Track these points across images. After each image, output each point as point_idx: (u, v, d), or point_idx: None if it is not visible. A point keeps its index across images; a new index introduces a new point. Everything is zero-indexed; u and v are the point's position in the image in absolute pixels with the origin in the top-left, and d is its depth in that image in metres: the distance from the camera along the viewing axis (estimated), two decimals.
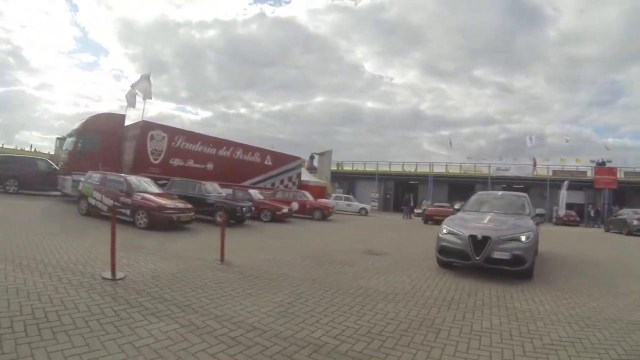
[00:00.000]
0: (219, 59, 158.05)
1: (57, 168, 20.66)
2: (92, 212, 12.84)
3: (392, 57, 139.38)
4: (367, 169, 52.57)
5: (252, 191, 20.49)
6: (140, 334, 3.68)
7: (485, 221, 8.60)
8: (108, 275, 5.56)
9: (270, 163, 26.57)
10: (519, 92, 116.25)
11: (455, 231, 8.26)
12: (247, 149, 24.93)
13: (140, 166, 18.11)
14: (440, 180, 45.41)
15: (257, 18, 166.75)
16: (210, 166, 21.85)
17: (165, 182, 16.56)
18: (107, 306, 4.35)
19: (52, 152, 66.04)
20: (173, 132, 20.28)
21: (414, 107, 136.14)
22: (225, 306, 4.82)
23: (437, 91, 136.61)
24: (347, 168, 54.92)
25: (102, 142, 18.60)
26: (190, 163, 20.85)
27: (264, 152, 26.65)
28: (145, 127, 19.20)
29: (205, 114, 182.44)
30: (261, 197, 20.16)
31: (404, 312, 5.12)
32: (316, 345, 3.83)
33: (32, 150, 63.04)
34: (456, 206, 11.86)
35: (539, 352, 3.93)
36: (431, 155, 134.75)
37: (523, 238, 7.77)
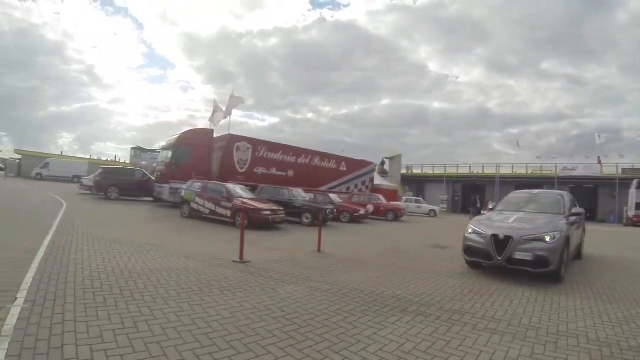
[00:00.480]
0: (282, 65, 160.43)
1: (151, 177, 23.66)
2: (194, 215, 15.31)
3: (456, 54, 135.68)
4: (435, 171, 53.20)
5: (332, 195, 22.46)
6: (280, 291, 5.67)
7: (511, 220, 8.49)
8: (237, 259, 7.55)
9: (345, 169, 28.33)
10: (591, 84, 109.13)
11: (480, 231, 8.23)
12: (323, 156, 26.93)
13: (228, 175, 20.55)
14: (507, 181, 44.76)
15: (317, 23, 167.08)
16: (290, 173, 24.00)
17: (249, 188, 18.67)
18: (248, 277, 6.40)
19: (128, 161, 71.70)
20: (256, 143, 22.67)
21: (480, 105, 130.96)
22: (331, 278, 6.79)
23: (504, 88, 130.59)
24: (417, 171, 55.86)
25: (194, 154, 20.78)
26: (273, 171, 23.14)
27: (339, 159, 28.51)
28: (232, 139, 21.80)
29: (272, 120, 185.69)
30: (340, 201, 22.04)
31: (459, 284, 6.94)
32: (398, 298, 5.72)
33: (116, 160, 69.49)
34: (490, 206, 11.66)
35: (554, 311, 5.44)
36: (500, 155, 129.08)
37: (548, 238, 7.51)
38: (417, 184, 53.20)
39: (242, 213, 9.25)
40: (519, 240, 7.47)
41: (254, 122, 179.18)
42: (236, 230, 12.54)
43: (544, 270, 7.29)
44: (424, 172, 55.38)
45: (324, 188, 25.77)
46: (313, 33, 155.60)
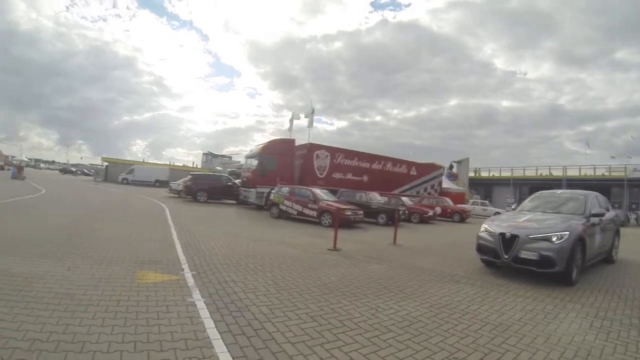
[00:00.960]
0: (348, 69, 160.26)
1: (235, 182, 26.61)
2: (283, 216, 17.82)
3: (523, 49, 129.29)
4: (502, 174, 53.09)
5: (403, 198, 24.34)
6: (368, 268, 7.92)
7: (522, 220, 8.51)
8: (331, 247, 9.88)
9: (415, 173, 29.98)
10: None
11: (490, 229, 8.34)
12: (395, 162, 28.77)
13: (309, 180, 22.67)
14: (574, 183, 42.56)
15: (380, 25, 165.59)
16: (365, 178, 26.01)
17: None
18: (342, 259, 8.70)
19: (199, 166, 74.98)
20: (334, 151, 24.83)
21: (551, 102, 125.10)
22: (405, 261, 9.00)
23: (576, 82, 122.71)
24: (484, 174, 56.03)
25: (278, 161, 23.06)
26: (349, 176, 25.20)
27: (409, 164, 30.18)
28: (312, 148, 24.06)
29: (340, 123, 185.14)
30: (411, 203, 23.90)
31: (505, 268, 8.58)
32: (454, 274, 7.83)
33: (194, 166, 74.18)
34: (512, 206, 11.53)
35: (574, 290, 7.24)
36: (573, 155, 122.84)
37: (554, 238, 7.43)
38: (484, 187, 53.34)
39: (334, 213, 11.90)
40: (525, 239, 7.61)
41: (322, 126, 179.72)
42: (321, 227, 14.90)
43: (550, 270, 7.37)
44: (491, 175, 55.53)
45: (395, 191, 27.52)
46: (377, 35, 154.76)
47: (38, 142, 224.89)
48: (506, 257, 7.76)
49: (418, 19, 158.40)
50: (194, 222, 13.72)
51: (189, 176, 27.94)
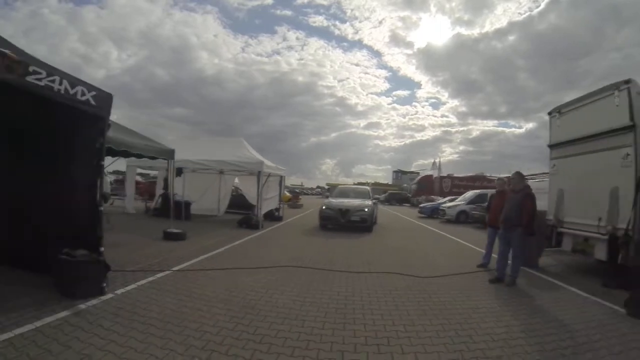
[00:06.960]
0: (528, 63, 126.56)
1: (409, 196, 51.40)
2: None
3: None
4: None
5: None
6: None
7: (344, 201, 13.31)
8: None
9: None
10: None
11: (329, 207, 12.93)
12: (489, 180, 46.06)
13: (440, 192, 44.45)
14: None
15: (552, 5, 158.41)
16: (469, 190, 46.70)
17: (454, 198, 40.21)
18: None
19: (390, 182, 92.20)
20: (452, 178, 46.81)
21: None
22: None
23: None
24: None
25: (425, 185, 47.23)
26: (461, 190, 43.38)
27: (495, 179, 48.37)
28: (441, 178, 46.98)
29: (528, 125, 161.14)
30: None
31: None
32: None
33: (387, 184, 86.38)
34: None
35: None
36: None
37: (366, 209, 12.38)
38: None
39: None
40: (353, 210, 12.41)
41: (510, 131, 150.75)
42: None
43: (365, 224, 12.38)
44: None
45: None
46: (550, 17, 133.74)
47: None
48: (343, 220, 12.28)
49: None
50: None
51: (388, 193, 53.40)
